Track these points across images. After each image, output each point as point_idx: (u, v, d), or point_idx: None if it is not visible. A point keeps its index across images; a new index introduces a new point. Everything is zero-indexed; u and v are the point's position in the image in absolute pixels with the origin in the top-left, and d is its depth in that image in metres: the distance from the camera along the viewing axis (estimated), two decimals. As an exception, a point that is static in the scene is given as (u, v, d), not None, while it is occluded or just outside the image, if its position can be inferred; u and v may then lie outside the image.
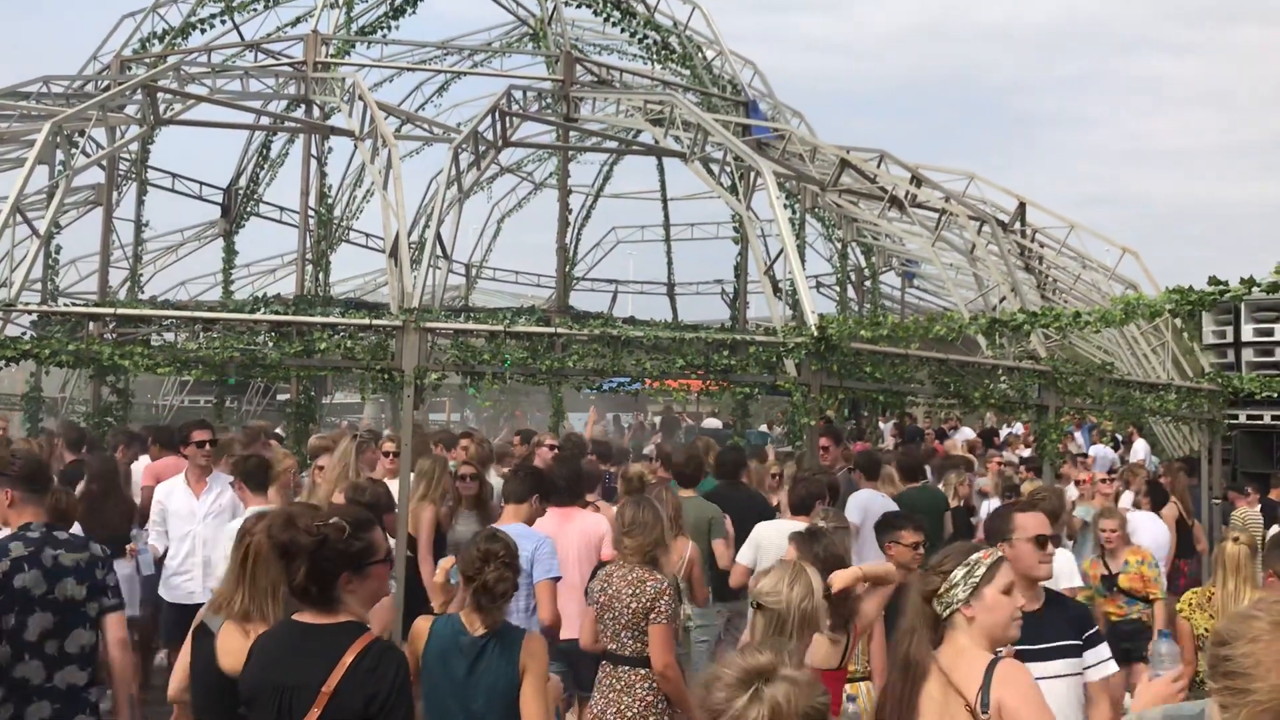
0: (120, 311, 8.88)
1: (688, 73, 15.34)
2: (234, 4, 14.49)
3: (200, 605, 4.45)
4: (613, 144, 17.41)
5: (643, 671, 4.82)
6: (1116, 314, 10.18)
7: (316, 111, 13.83)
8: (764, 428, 18.74)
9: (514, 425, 19.67)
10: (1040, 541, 4.11)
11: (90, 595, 4.36)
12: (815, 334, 8.63)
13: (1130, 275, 13.87)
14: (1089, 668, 4.12)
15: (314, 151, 14.50)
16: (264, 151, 16.85)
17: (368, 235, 20.30)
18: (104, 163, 13.39)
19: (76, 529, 5.91)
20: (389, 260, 9.12)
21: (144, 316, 8.92)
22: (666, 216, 22.92)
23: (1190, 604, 6.00)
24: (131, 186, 15.28)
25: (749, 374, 8.89)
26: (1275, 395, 12.54)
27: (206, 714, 3.79)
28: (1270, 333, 13.14)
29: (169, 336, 8.83)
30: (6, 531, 4.46)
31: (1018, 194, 13.94)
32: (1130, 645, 7.09)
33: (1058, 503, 6.89)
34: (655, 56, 15.63)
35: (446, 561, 4.86)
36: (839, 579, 4.51)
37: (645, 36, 15.28)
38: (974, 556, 3.36)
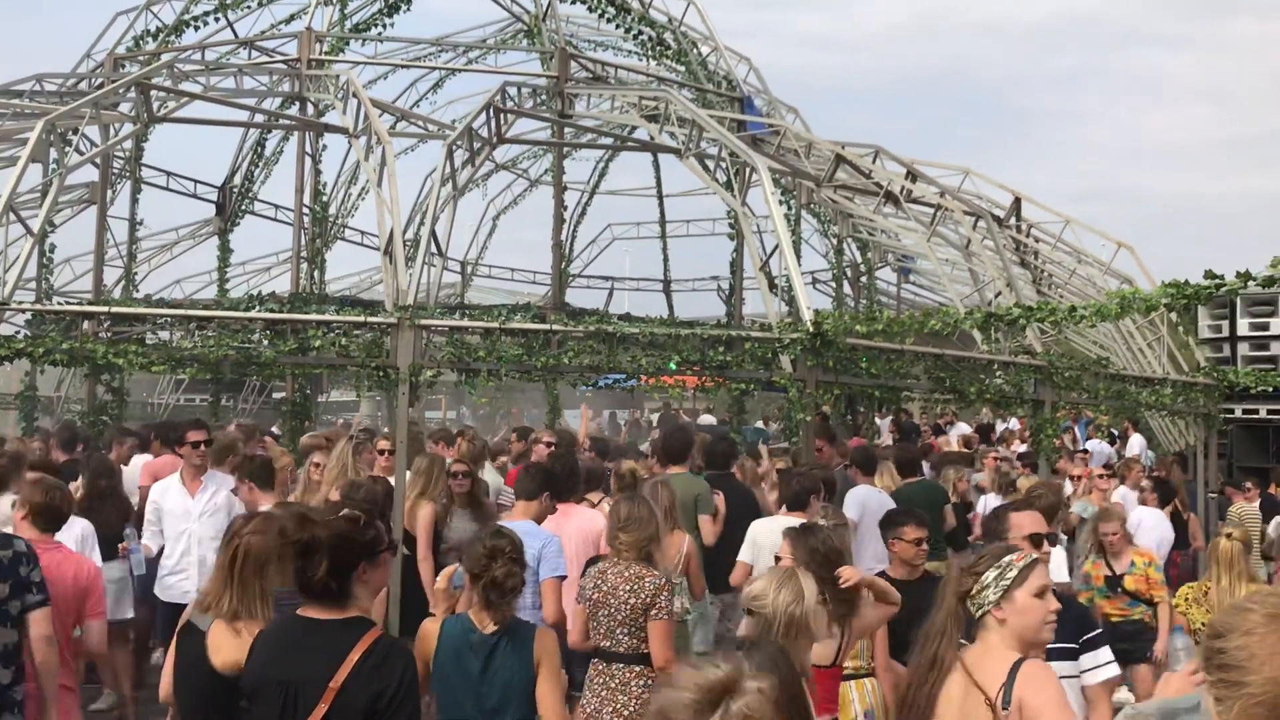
0: (115, 310, 8.88)
1: (683, 69, 15.34)
2: (228, 1, 14.47)
3: (198, 605, 4.43)
4: (608, 140, 17.40)
5: (638, 669, 4.73)
6: (1112, 308, 10.19)
7: (311, 109, 13.82)
8: (760, 423, 18.71)
9: (510, 422, 19.67)
10: (1035, 540, 4.11)
11: (13, 593, 4.30)
12: (811, 330, 8.64)
13: (1126, 270, 13.90)
14: (1087, 671, 4.11)
15: (308, 149, 14.46)
16: (258, 149, 16.82)
17: (363, 233, 20.26)
18: (98, 161, 13.37)
19: (75, 528, 5.90)
20: (384, 258, 9.11)
21: (139, 315, 8.91)
22: (662, 213, 22.89)
23: (1186, 599, 6.01)
24: (126, 184, 15.25)
25: (745, 370, 8.90)
26: (1271, 389, 12.55)
27: (194, 713, 3.76)
28: (1266, 327, 13.17)
29: (164, 335, 8.82)
30: None
31: (1013, 189, 13.96)
32: (1129, 646, 6.90)
33: (1055, 499, 6.87)
34: (650, 53, 15.62)
35: (449, 569, 4.83)
36: (850, 573, 4.49)
37: (640, 32, 15.27)
38: (1007, 559, 3.31)
